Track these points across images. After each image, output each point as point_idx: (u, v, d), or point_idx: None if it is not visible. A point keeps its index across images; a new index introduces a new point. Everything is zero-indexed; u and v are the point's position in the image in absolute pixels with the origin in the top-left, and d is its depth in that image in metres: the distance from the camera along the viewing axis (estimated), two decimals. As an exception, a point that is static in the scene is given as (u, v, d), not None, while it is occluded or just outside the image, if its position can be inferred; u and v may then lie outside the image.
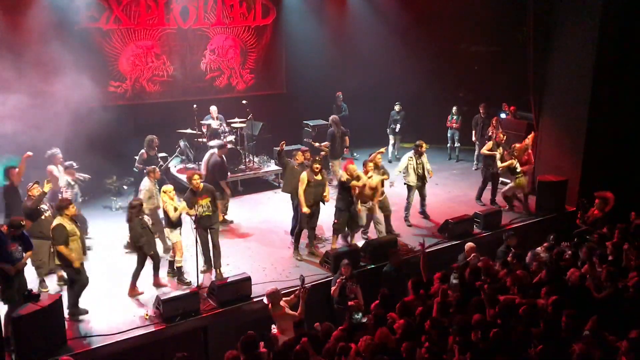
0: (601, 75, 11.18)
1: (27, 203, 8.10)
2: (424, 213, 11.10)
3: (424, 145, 10.69)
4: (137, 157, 10.54)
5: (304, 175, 9.07)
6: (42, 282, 8.23)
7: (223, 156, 10.53)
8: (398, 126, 14.44)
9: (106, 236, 10.09)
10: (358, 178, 9.24)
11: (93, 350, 7.01)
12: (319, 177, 9.11)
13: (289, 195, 9.94)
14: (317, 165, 9.08)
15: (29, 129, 9.97)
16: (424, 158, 10.65)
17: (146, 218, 8.28)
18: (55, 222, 7.44)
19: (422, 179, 10.65)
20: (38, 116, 10.27)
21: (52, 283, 8.41)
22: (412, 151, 10.64)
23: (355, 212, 9.42)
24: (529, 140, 11.86)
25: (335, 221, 9.39)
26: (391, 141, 14.77)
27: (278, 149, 10.00)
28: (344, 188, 9.26)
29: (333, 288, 7.98)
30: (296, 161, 9.90)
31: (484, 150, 11.57)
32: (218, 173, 10.28)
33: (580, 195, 10.87)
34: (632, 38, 11.21)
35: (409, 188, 10.69)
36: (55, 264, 7.88)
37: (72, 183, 9.33)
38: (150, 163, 10.14)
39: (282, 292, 7.54)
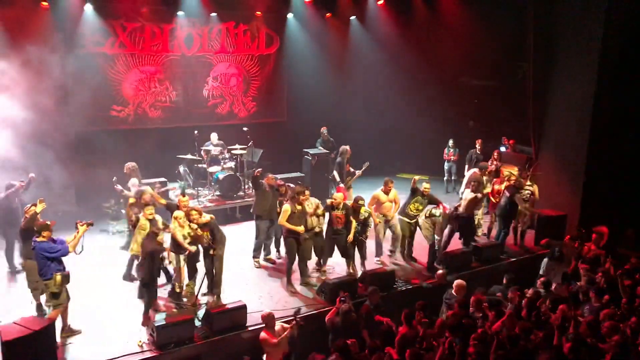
0: (600, 110, 11.26)
1: (22, 223, 8.07)
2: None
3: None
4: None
5: (286, 207, 9.09)
6: (39, 306, 8.11)
7: None
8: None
9: (102, 260, 10.03)
10: (337, 207, 9.29)
11: (84, 376, 6.91)
12: (300, 207, 9.12)
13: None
14: (303, 197, 9.11)
15: (33, 150, 10.03)
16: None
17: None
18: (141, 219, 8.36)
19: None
20: (40, 138, 10.34)
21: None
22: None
23: (342, 241, 9.42)
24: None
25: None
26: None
27: (254, 174, 10.21)
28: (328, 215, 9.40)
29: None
30: (267, 183, 10.01)
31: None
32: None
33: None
34: (630, 74, 11.32)
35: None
36: None
37: None
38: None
39: (279, 320, 7.59)
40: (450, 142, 14.71)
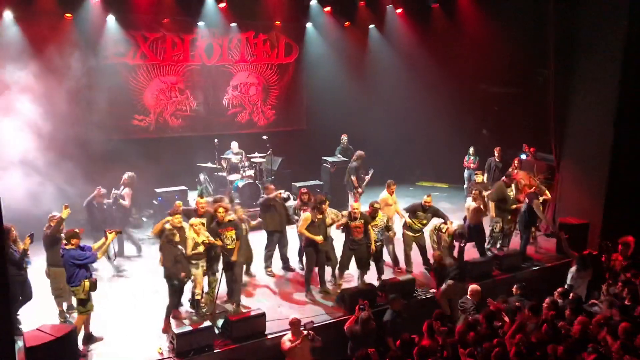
0: (623, 116, 11.07)
1: (46, 231, 8.20)
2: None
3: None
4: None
5: (307, 215, 9.11)
6: (61, 312, 8.24)
7: None
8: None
9: (124, 267, 10.13)
10: (355, 218, 9.20)
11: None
12: (321, 216, 9.13)
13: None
14: (324, 206, 9.12)
15: (56, 158, 10.19)
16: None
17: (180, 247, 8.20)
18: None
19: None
20: (63, 147, 10.51)
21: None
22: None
23: (361, 252, 9.36)
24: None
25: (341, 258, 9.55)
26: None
27: (271, 196, 10.08)
28: (346, 227, 9.33)
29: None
30: (268, 194, 10.02)
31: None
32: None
33: (602, 239, 10.67)
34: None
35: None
36: None
37: None
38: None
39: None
40: (471, 150, 14.59)
